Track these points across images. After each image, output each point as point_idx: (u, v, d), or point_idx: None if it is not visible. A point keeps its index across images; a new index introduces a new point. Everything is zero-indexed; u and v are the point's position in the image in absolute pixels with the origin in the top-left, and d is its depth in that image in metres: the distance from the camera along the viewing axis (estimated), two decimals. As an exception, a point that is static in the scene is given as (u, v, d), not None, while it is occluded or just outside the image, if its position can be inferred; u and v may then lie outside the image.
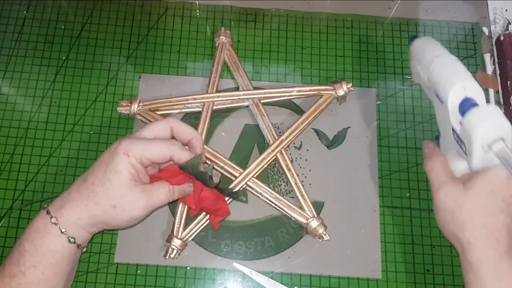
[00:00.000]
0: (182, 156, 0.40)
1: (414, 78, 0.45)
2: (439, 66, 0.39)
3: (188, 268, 0.49)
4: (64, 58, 0.56)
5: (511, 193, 0.38)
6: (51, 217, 0.39)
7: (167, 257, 0.48)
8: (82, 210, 0.39)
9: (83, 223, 0.39)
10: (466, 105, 0.37)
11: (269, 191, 0.49)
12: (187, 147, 0.43)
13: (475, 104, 0.36)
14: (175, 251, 0.47)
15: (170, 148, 0.40)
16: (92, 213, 0.39)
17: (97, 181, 0.39)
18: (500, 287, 0.36)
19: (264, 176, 0.52)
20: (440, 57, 0.40)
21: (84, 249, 0.42)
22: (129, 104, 0.52)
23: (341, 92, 0.53)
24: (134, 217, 0.40)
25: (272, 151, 0.51)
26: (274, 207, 0.50)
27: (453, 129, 0.38)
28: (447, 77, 0.38)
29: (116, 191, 0.39)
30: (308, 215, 0.49)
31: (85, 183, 0.40)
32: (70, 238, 0.39)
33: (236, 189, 0.49)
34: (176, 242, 0.47)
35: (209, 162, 0.49)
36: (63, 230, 0.39)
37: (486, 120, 0.35)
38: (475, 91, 0.37)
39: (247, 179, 0.49)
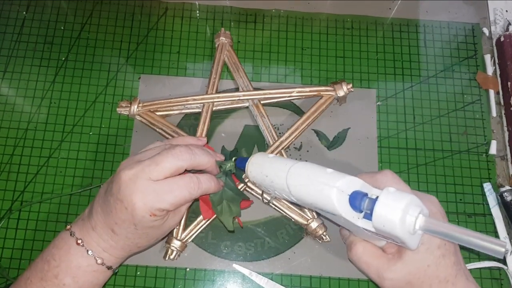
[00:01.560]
0: (210, 188, 0.41)
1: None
2: (298, 190, 0.36)
3: (187, 269, 0.49)
4: (63, 58, 0.56)
5: (438, 240, 0.37)
6: (96, 258, 0.39)
7: (167, 259, 0.47)
8: (128, 253, 0.41)
9: (127, 256, 0.43)
10: (358, 202, 0.34)
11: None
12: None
13: (363, 194, 0.34)
14: (174, 252, 0.47)
15: (195, 192, 0.39)
16: (138, 251, 0.43)
17: (130, 235, 0.39)
18: None
19: (264, 177, 0.52)
20: (288, 178, 0.37)
21: (116, 269, 0.43)
22: (129, 105, 0.52)
23: (341, 93, 0.53)
24: (175, 227, 0.44)
25: (272, 151, 0.51)
26: (274, 208, 0.49)
27: (365, 229, 0.35)
28: (318, 196, 0.35)
29: (155, 234, 0.40)
30: (308, 216, 0.49)
31: (116, 235, 0.39)
32: (115, 270, 0.42)
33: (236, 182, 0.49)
34: (176, 243, 0.47)
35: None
36: (109, 266, 0.40)
37: (395, 213, 0.32)
38: (348, 184, 0.35)
39: (247, 180, 0.49)
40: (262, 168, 0.39)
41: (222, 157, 0.45)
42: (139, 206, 0.36)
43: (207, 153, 0.41)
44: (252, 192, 0.50)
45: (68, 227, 0.41)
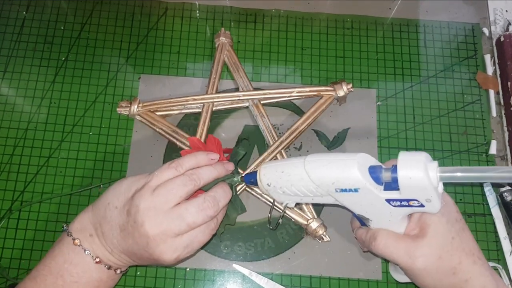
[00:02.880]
0: (221, 200, 0.41)
1: (288, 202, 0.42)
2: (316, 167, 0.37)
3: (187, 269, 0.49)
4: (63, 58, 0.56)
5: (456, 208, 0.39)
6: (109, 267, 0.40)
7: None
8: (135, 263, 0.42)
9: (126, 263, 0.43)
10: (377, 174, 0.36)
11: (269, 192, 0.49)
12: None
13: (380, 166, 0.36)
14: (174, 252, 0.47)
15: (206, 212, 0.39)
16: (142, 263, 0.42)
17: (151, 257, 0.39)
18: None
19: (264, 177, 0.52)
20: (305, 167, 0.38)
21: (126, 271, 0.44)
22: (129, 105, 0.52)
23: (341, 93, 0.53)
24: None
25: (272, 152, 0.51)
26: (275, 209, 0.49)
27: (388, 201, 0.36)
28: (340, 167, 0.36)
29: (164, 252, 0.39)
30: (308, 216, 0.49)
31: (124, 253, 0.40)
32: (122, 271, 0.42)
33: (237, 189, 0.49)
34: (176, 243, 0.47)
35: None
36: (118, 271, 0.41)
37: (418, 166, 0.34)
38: (368, 159, 0.37)
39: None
40: (277, 167, 0.40)
41: (232, 167, 0.44)
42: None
43: (226, 189, 0.42)
44: (252, 192, 0.50)
45: (78, 242, 0.40)
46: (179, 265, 0.48)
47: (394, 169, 0.35)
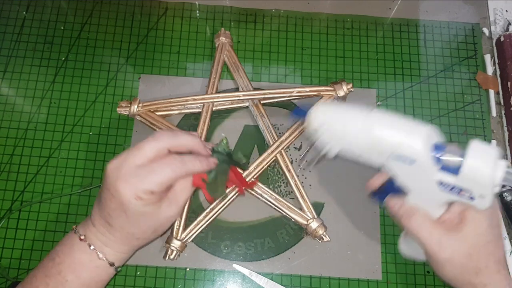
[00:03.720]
0: (195, 166, 0.39)
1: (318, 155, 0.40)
2: (381, 128, 0.35)
3: (187, 269, 0.49)
4: (63, 58, 0.56)
5: (498, 220, 0.39)
6: (98, 253, 0.39)
7: (167, 258, 0.47)
8: (128, 246, 0.40)
9: (132, 252, 0.41)
10: (440, 153, 0.35)
11: (269, 192, 0.49)
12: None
13: (444, 147, 0.35)
14: (174, 252, 0.47)
15: (178, 169, 0.37)
16: (139, 244, 0.41)
17: (125, 225, 0.38)
18: None
19: (264, 177, 0.52)
20: (372, 118, 0.36)
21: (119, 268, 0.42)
22: (129, 105, 0.52)
23: (341, 93, 0.53)
24: (173, 218, 0.40)
25: (272, 152, 0.51)
26: (274, 208, 0.49)
27: (440, 182, 0.35)
28: (405, 133, 0.35)
29: (149, 223, 0.39)
30: (308, 216, 0.49)
31: (112, 227, 0.38)
32: (117, 268, 0.41)
33: (237, 189, 0.49)
34: (176, 243, 0.47)
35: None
36: (110, 263, 0.40)
37: (487, 160, 0.33)
38: (432, 132, 0.35)
39: (247, 180, 0.49)
40: (337, 112, 0.37)
41: (208, 145, 0.42)
42: (124, 191, 0.36)
43: (190, 135, 0.40)
44: (253, 193, 0.50)
45: (74, 227, 0.41)
46: (179, 265, 0.48)
47: (462, 154, 0.34)
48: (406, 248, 0.44)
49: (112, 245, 0.39)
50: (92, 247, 0.39)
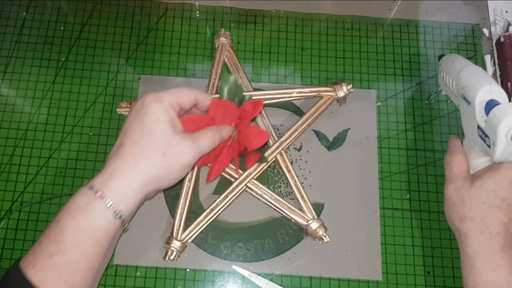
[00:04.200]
0: (205, 98, 0.42)
1: (442, 89, 0.52)
2: (468, 73, 0.46)
3: (187, 270, 0.48)
4: (63, 59, 0.56)
5: (508, 194, 0.41)
6: (96, 192, 0.36)
7: (167, 259, 0.47)
8: (134, 172, 0.37)
9: (137, 187, 0.37)
10: (491, 105, 0.41)
11: (269, 193, 0.49)
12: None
13: (496, 103, 0.41)
14: (174, 253, 0.47)
15: (193, 91, 0.41)
16: (144, 170, 0.37)
17: (137, 138, 0.38)
18: (492, 278, 0.39)
19: (264, 178, 0.52)
20: (468, 66, 0.46)
21: (127, 226, 0.39)
22: (129, 106, 0.52)
23: (341, 94, 0.53)
24: (185, 163, 0.39)
25: (272, 152, 0.51)
26: (274, 209, 0.49)
27: (478, 126, 0.43)
28: (475, 81, 0.44)
29: (160, 139, 0.38)
30: (308, 217, 0.49)
31: (124, 147, 0.38)
32: (116, 212, 0.37)
33: (236, 190, 0.49)
34: (176, 244, 0.47)
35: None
36: (109, 204, 0.36)
37: (510, 115, 0.39)
38: (500, 94, 0.42)
39: (246, 180, 0.49)
40: (453, 58, 0.49)
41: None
42: (146, 98, 0.39)
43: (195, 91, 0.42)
44: (253, 194, 0.50)
45: (98, 193, 0.38)
46: (179, 266, 0.48)
47: (495, 104, 0.41)
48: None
49: (113, 179, 0.37)
50: (91, 188, 0.37)
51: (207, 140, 0.41)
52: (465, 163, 0.45)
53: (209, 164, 0.46)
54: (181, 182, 0.42)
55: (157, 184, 0.39)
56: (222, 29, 0.56)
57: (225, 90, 0.45)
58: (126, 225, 0.39)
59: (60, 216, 0.37)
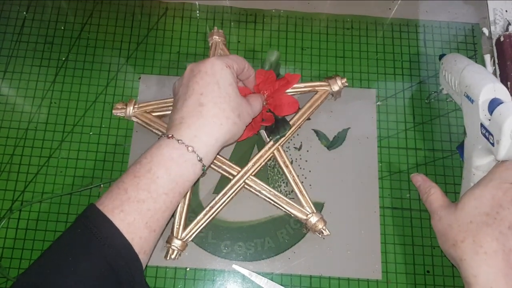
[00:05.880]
0: (250, 67, 0.47)
1: (443, 88, 0.53)
2: (471, 71, 0.46)
3: (187, 269, 0.49)
4: (63, 58, 0.56)
5: (495, 208, 0.40)
6: (188, 146, 0.40)
7: (168, 258, 0.47)
8: (219, 131, 0.41)
9: (220, 143, 0.42)
10: (495, 103, 0.42)
11: (267, 189, 0.49)
12: None
13: (500, 102, 0.42)
14: (175, 252, 0.47)
15: (243, 59, 0.46)
16: (227, 129, 0.42)
17: (217, 99, 0.41)
18: None
19: (264, 177, 0.52)
20: (471, 65, 0.47)
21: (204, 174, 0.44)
22: (124, 107, 0.52)
23: (335, 88, 0.53)
24: (247, 123, 0.45)
25: (270, 148, 0.51)
26: (274, 205, 0.49)
27: (481, 124, 0.43)
28: (479, 80, 0.44)
29: (236, 101, 0.43)
30: (307, 211, 0.49)
31: (204, 106, 0.41)
32: (203, 165, 0.41)
33: (235, 187, 0.49)
34: (176, 243, 0.47)
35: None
36: (199, 158, 0.40)
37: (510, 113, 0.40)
38: (503, 93, 0.43)
39: (245, 177, 0.49)
40: (455, 57, 0.50)
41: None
42: (217, 62, 0.42)
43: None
44: (252, 190, 0.50)
45: (161, 134, 0.42)
46: (179, 265, 0.48)
47: (499, 102, 0.42)
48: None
49: (201, 135, 0.40)
50: (180, 142, 0.40)
51: (258, 104, 0.47)
52: (439, 193, 0.45)
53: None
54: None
55: (231, 140, 0.44)
56: (215, 27, 0.55)
57: (268, 62, 0.53)
58: (204, 175, 0.44)
59: (149, 166, 0.39)
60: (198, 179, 0.45)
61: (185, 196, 0.48)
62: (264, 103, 0.51)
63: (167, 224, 0.42)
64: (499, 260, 0.38)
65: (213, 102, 0.41)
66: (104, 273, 0.35)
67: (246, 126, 0.46)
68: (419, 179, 0.48)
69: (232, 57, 0.44)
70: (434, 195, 0.45)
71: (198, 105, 0.41)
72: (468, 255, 0.39)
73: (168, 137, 0.40)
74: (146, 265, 0.48)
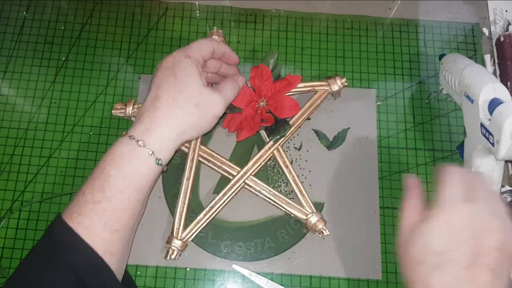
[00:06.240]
0: (220, 45, 0.46)
1: (443, 88, 0.53)
2: (471, 71, 0.46)
3: (187, 269, 0.49)
4: (63, 58, 0.56)
5: (449, 243, 0.33)
6: (138, 141, 0.39)
7: (168, 258, 0.47)
8: (171, 120, 0.40)
9: (175, 134, 0.40)
10: (495, 103, 0.42)
11: (267, 189, 0.49)
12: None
13: (500, 102, 0.42)
14: (175, 252, 0.47)
15: (211, 41, 0.45)
16: (180, 118, 0.40)
17: (171, 90, 0.41)
18: None
19: (264, 177, 0.52)
20: (471, 65, 0.47)
21: (165, 169, 0.42)
22: (124, 107, 0.52)
23: (335, 87, 0.53)
24: (216, 113, 0.43)
25: (270, 148, 0.51)
26: (273, 205, 0.49)
27: (481, 124, 0.43)
28: (479, 79, 0.44)
29: (194, 90, 0.41)
30: (307, 211, 0.49)
31: (159, 99, 0.40)
32: (157, 159, 0.39)
33: (235, 187, 0.49)
34: (176, 243, 0.47)
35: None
36: (151, 152, 0.39)
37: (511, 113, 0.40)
38: (503, 93, 0.43)
39: (245, 177, 0.49)
40: (455, 57, 0.50)
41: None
42: (177, 54, 0.42)
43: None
44: (252, 190, 0.50)
45: (140, 142, 0.40)
46: (179, 265, 0.48)
47: (499, 102, 0.42)
48: None
49: (153, 127, 0.39)
50: (132, 137, 0.39)
51: (230, 90, 0.45)
52: (415, 211, 0.37)
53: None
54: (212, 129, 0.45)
55: (191, 132, 0.42)
56: (215, 27, 0.55)
57: (267, 63, 0.52)
58: (164, 170, 0.42)
59: (103, 166, 0.39)
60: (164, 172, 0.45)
61: (184, 196, 0.48)
62: (264, 103, 0.51)
63: (138, 223, 0.42)
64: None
65: (167, 94, 0.40)
66: (70, 280, 0.35)
67: (243, 124, 0.47)
68: (409, 184, 0.40)
69: (194, 46, 0.43)
70: (407, 212, 0.38)
71: (154, 98, 0.41)
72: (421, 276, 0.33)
73: (123, 134, 0.40)
74: (146, 266, 0.48)
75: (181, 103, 0.40)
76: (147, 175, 0.39)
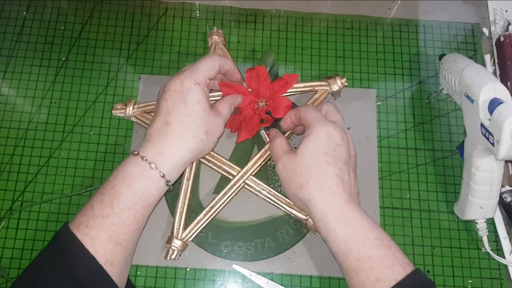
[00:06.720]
0: (225, 62, 0.47)
1: (443, 88, 0.53)
2: (471, 71, 0.46)
3: (188, 269, 0.49)
4: (64, 58, 0.56)
5: (332, 147, 0.42)
6: (150, 164, 0.41)
7: (168, 259, 0.47)
8: (184, 149, 0.43)
9: (185, 160, 0.43)
10: (495, 103, 0.42)
11: (267, 189, 0.49)
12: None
13: (500, 102, 0.42)
14: (176, 252, 0.47)
15: (215, 60, 0.46)
16: (193, 147, 0.43)
17: (183, 118, 0.43)
18: (347, 232, 0.40)
19: (264, 178, 0.52)
20: (471, 65, 0.47)
21: (171, 189, 0.45)
22: (124, 107, 0.52)
23: (335, 87, 0.53)
24: (219, 135, 0.46)
25: (269, 148, 0.51)
26: (273, 205, 0.49)
27: (481, 124, 0.44)
28: (479, 79, 0.45)
29: (203, 119, 0.43)
30: (308, 214, 0.49)
31: (171, 125, 0.42)
32: (167, 181, 0.43)
33: (235, 187, 0.49)
34: (177, 243, 0.47)
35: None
36: (162, 174, 0.42)
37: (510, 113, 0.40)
38: (503, 93, 0.43)
39: (245, 177, 0.49)
40: (455, 57, 0.50)
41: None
42: (186, 80, 0.43)
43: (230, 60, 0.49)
44: (252, 190, 0.50)
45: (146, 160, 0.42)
46: (179, 265, 0.48)
47: (499, 102, 0.42)
48: (460, 211, 0.50)
49: (165, 152, 0.42)
50: (144, 159, 0.42)
51: (227, 112, 0.47)
52: (284, 142, 0.46)
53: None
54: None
55: (199, 156, 0.46)
56: (215, 27, 0.55)
57: (264, 63, 0.53)
58: (171, 190, 0.46)
59: (114, 182, 0.41)
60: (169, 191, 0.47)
61: (184, 196, 0.48)
62: (263, 103, 0.51)
63: (139, 237, 0.44)
64: (340, 192, 0.41)
65: (178, 121, 0.42)
66: (71, 285, 0.38)
67: (243, 131, 0.49)
68: (272, 132, 0.49)
69: (201, 68, 0.45)
70: (278, 143, 0.46)
71: (165, 123, 0.43)
72: (315, 194, 0.41)
73: (134, 154, 0.42)
74: (146, 266, 0.48)
75: (193, 133, 0.43)
76: (155, 195, 0.43)
